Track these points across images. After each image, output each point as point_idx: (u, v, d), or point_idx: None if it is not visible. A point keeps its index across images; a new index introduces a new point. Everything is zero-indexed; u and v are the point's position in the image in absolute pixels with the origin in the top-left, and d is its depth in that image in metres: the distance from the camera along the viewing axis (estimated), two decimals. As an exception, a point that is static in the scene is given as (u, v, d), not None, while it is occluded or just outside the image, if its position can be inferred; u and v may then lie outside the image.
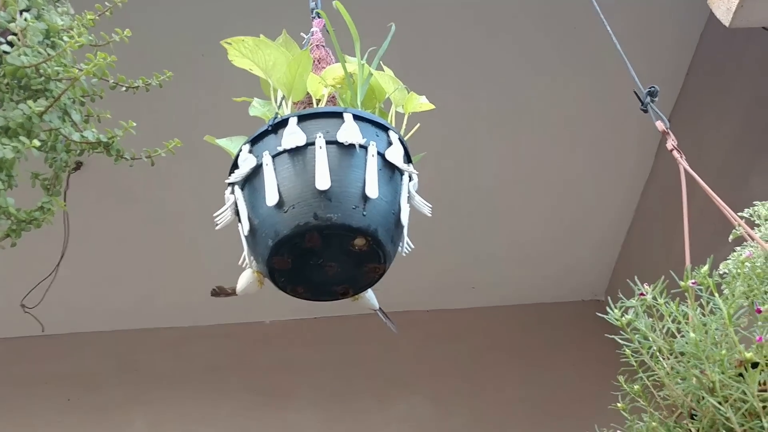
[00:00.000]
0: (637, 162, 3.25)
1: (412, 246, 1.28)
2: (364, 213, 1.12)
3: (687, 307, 0.97)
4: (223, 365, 3.65)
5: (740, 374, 0.90)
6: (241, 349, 3.69)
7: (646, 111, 1.54)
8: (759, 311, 0.91)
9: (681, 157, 1.43)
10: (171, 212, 3.07)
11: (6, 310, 3.14)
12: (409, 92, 1.34)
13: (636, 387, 1.05)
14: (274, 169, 1.15)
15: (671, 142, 1.45)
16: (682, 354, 0.96)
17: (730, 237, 1.19)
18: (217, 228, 1.22)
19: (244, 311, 3.68)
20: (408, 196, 1.23)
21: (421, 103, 1.34)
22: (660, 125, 1.47)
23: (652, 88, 1.54)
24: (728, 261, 1.09)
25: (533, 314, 3.64)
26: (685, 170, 1.41)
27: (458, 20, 2.72)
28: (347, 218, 1.11)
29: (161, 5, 2.51)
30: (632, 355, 1.01)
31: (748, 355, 0.87)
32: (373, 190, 1.13)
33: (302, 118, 1.18)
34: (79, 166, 3.03)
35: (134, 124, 1.43)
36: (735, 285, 1.04)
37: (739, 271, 1.05)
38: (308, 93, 1.33)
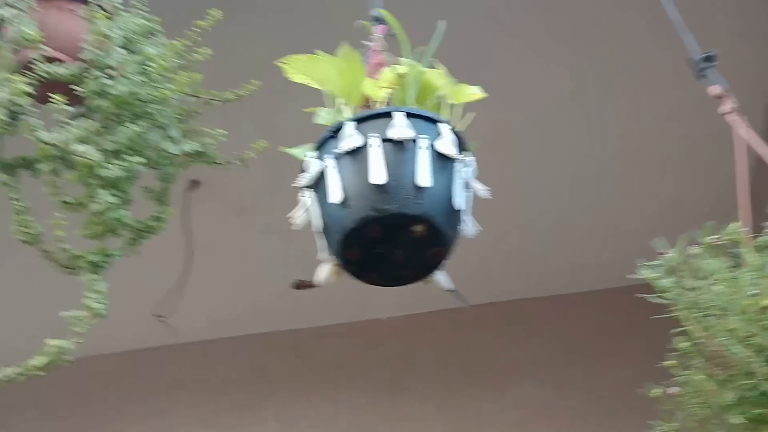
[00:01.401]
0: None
1: (480, 228, 1.36)
2: (419, 201, 1.22)
3: (714, 260, 1.02)
4: (343, 362, 3.84)
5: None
6: (360, 347, 3.87)
7: (705, 77, 1.55)
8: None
9: (741, 119, 1.44)
10: (286, 221, 3.28)
11: (141, 321, 3.44)
12: (458, 85, 1.43)
13: (685, 344, 1.11)
14: (337, 170, 1.27)
15: (731, 105, 1.46)
16: (713, 308, 1.02)
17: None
18: (294, 228, 1.35)
19: (361, 309, 3.85)
20: (464, 182, 1.32)
21: (471, 94, 1.43)
22: (715, 89, 1.49)
23: (710, 53, 1.56)
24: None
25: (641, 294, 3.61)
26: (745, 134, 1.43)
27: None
28: (403, 207, 1.21)
29: (242, 22, 2.71)
30: (669, 314, 1.08)
31: (765, 302, 0.92)
32: (425, 180, 1.23)
33: (359, 121, 1.30)
34: (196, 184, 3.30)
35: (224, 132, 1.60)
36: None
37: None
38: (368, 97, 1.46)
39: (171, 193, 1.76)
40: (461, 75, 1.45)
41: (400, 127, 1.27)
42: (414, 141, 1.26)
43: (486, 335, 3.76)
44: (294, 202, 1.49)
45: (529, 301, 3.83)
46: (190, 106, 1.73)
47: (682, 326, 1.09)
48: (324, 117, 1.41)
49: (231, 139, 1.66)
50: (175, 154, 1.62)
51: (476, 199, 1.36)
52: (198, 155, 1.66)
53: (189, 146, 1.64)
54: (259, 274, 3.68)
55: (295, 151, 1.42)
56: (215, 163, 1.68)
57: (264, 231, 3.48)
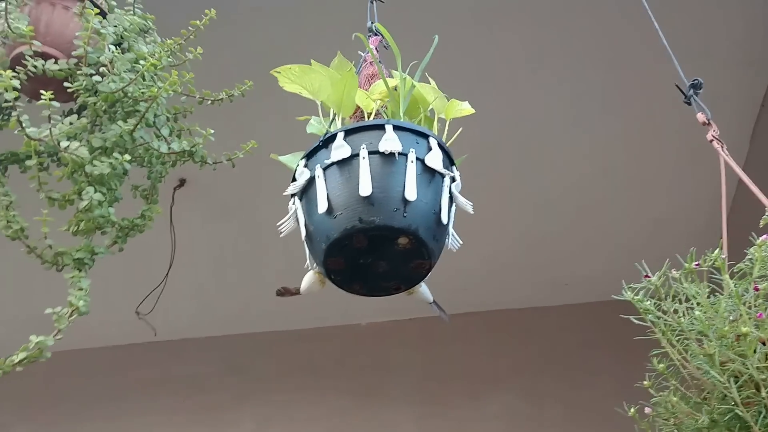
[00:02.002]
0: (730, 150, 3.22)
1: (461, 242, 1.39)
2: (405, 214, 1.24)
3: (694, 286, 1.05)
4: (321, 366, 3.85)
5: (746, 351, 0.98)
6: (339, 351, 3.88)
7: (689, 104, 1.60)
8: (757, 289, 1.00)
9: (722, 147, 1.49)
10: (268, 224, 3.30)
11: (122, 318, 3.45)
12: (449, 100, 1.45)
13: (661, 366, 1.14)
14: (325, 180, 1.29)
15: (712, 133, 1.51)
16: (692, 332, 1.05)
17: (761, 223, 1.25)
18: (282, 235, 1.36)
19: (340, 314, 3.87)
20: (450, 197, 1.34)
21: (462, 109, 1.46)
22: (701, 117, 1.54)
23: (696, 81, 1.60)
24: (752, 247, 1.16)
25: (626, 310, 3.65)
26: (725, 161, 1.48)
27: (532, 15, 2.80)
28: (389, 220, 1.24)
29: (236, 23, 2.73)
30: (648, 335, 1.10)
31: (745, 329, 0.95)
32: (411, 193, 1.25)
33: (348, 133, 1.32)
34: (182, 182, 3.30)
35: (212, 131, 1.62)
36: (754, 268, 1.11)
37: (757, 255, 1.12)
38: (360, 109, 1.48)
39: (159, 191, 1.79)
40: (457, 88, 1.48)
41: (389, 140, 1.29)
42: (403, 154, 1.29)
43: (468, 344, 3.78)
44: (278, 206, 1.52)
45: (514, 312, 3.86)
46: (182, 105, 1.75)
47: (661, 347, 1.12)
48: (315, 126, 1.43)
49: (218, 140, 1.68)
50: (165, 153, 1.64)
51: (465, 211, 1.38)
52: (188, 154, 1.67)
53: (177, 145, 1.66)
54: (241, 276, 3.70)
55: (285, 159, 1.43)
56: (205, 162, 1.69)
57: (247, 233, 3.51)
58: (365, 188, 1.24)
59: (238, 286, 3.74)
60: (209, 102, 1.77)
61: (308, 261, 1.38)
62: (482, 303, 3.86)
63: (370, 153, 1.28)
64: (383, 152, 1.28)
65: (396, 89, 1.46)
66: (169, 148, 1.64)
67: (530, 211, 3.46)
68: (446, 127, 1.46)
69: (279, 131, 2.76)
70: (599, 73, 2.94)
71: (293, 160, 1.44)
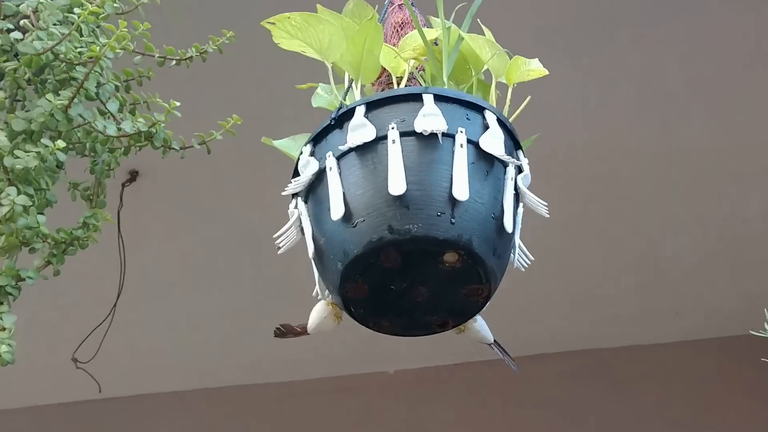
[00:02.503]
0: None
1: (531, 258, 1.40)
2: (453, 220, 1.25)
3: None
4: (338, 425, 3.87)
5: None
6: (360, 406, 3.91)
7: None
8: None
9: None
10: (259, 234, 3.31)
11: (59, 367, 3.47)
12: (512, 57, 1.46)
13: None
14: (340, 173, 1.30)
15: None
16: None
17: None
18: (281, 251, 1.38)
19: (362, 359, 3.88)
20: (516, 194, 1.35)
21: (530, 69, 1.45)
22: None
23: None
24: None
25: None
26: None
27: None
28: (430, 228, 1.25)
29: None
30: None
31: None
32: (462, 191, 1.26)
33: (371, 106, 1.33)
34: (134, 176, 3.32)
35: (177, 104, 1.62)
36: None
37: None
38: (387, 72, 1.49)
39: (106, 190, 1.79)
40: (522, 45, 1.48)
41: (429, 116, 1.30)
42: (449, 135, 1.29)
43: (541, 397, 3.79)
44: (273, 209, 1.53)
45: (607, 352, 3.91)
46: (136, 69, 1.75)
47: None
48: (324, 98, 1.44)
49: (191, 115, 1.69)
50: (114, 136, 1.64)
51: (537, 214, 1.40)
52: (145, 137, 1.68)
53: (130, 125, 1.66)
54: (221, 307, 3.73)
55: (282, 144, 1.45)
56: (169, 148, 1.69)
57: (229, 246, 3.53)
58: (397, 184, 1.25)
59: (218, 321, 3.78)
60: (173, 63, 1.76)
61: (317, 287, 1.40)
62: (564, 341, 3.91)
63: (402, 135, 1.29)
64: (421, 133, 1.29)
65: (437, 43, 1.46)
66: (120, 130, 1.64)
67: (629, 217, 3.48)
68: (508, 96, 1.46)
69: (273, 104, 2.78)
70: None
71: (294, 146, 1.46)
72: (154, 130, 1.67)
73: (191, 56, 1.77)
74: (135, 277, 3.35)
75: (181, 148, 1.69)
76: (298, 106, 1.59)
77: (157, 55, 1.75)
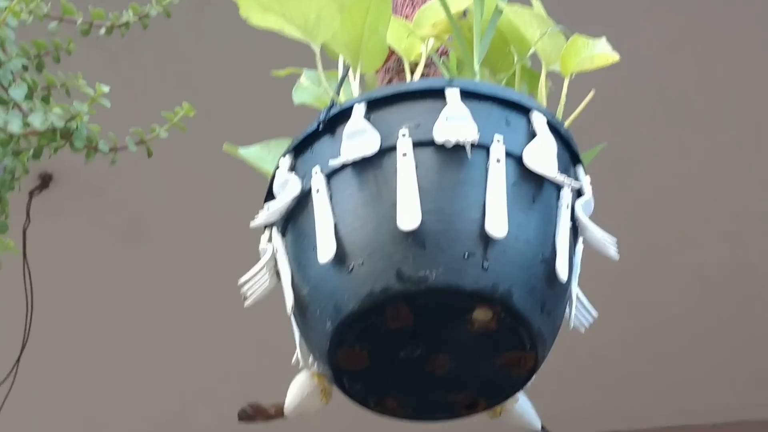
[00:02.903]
0: None
1: (594, 314, 1.38)
2: (486, 264, 1.23)
3: None
4: None
5: None
6: None
7: None
8: None
9: None
10: (219, 270, 3.30)
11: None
12: (569, 37, 1.44)
13: None
14: (330, 197, 1.28)
15: None
16: None
17: None
18: (248, 303, 1.36)
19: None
20: (573, 227, 1.33)
21: (595, 55, 1.43)
22: None
23: None
24: None
25: None
26: None
27: None
28: (454, 276, 1.22)
29: None
30: None
31: None
32: (499, 224, 1.23)
33: (375, 105, 1.31)
34: (46, 181, 3.30)
35: (106, 89, 1.59)
36: None
37: None
38: (396, 55, 1.48)
39: (9, 204, 1.77)
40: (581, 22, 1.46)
41: (454, 119, 1.28)
42: (482, 147, 1.28)
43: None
44: (233, 228, 1.50)
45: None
46: (51, 40, 1.73)
47: None
48: (309, 91, 1.42)
49: (125, 105, 1.66)
50: (18, 133, 1.62)
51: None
52: (61, 134, 1.65)
53: (41, 119, 1.63)
54: (162, 368, 3.75)
55: (251, 154, 1.42)
56: (93, 149, 1.67)
57: (166, 274, 3.53)
58: (408, 215, 1.23)
59: (152, 383, 3.76)
60: (102, 31, 1.74)
61: (298, 352, 1.38)
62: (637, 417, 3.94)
63: (417, 145, 1.27)
64: (443, 144, 1.27)
65: (465, 15, 1.45)
66: (27, 125, 1.62)
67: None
68: (564, 90, 1.44)
69: (239, 95, 2.76)
70: None
71: (267, 157, 1.45)
72: (74, 126, 1.64)
73: (127, 22, 1.75)
74: (45, 317, 3.32)
75: (111, 150, 1.66)
76: (275, 99, 1.57)
77: (81, 20, 1.73)
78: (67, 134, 1.63)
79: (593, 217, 1.36)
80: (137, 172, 2.89)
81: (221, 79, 2.82)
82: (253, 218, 1.36)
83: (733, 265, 3.61)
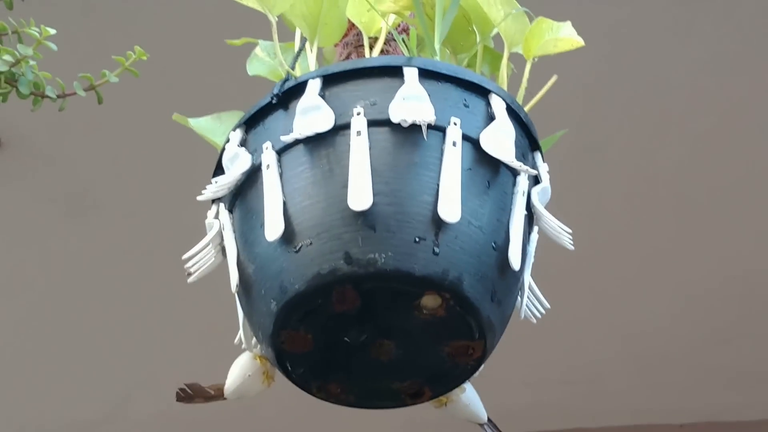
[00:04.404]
0: None
1: (547, 305, 1.41)
2: (437, 249, 1.24)
3: None
4: None
5: None
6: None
7: None
8: None
9: None
10: (166, 242, 3.30)
11: None
12: (534, 19, 1.45)
13: None
14: (281, 174, 1.29)
15: None
16: None
17: None
18: (191, 279, 1.37)
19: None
20: (528, 215, 1.35)
21: (559, 38, 1.45)
22: None
23: None
24: None
25: None
26: None
27: None
28: (404, 260, 1.24)
29: None
30: None
31: None
32: (452, 209, 1.24)
33: (331, 81, 1.32)
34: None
35: (52, 32, 1.60)
36: None
37: None
38: (356, 29, 1.49)
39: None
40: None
41: (411, 99, 1.29)
42: (438, 129, 1.29)
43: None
44: (188, 209, 1.52)
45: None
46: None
47: None
48: (264, 62, 1.43)
49: (75, 51, 1.66)
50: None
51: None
52: (5, 79, 1.65)
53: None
54: (104, 334, 3.73)
55: (201, 125, 1.44)
56: (40, 95, 1.67)
57: (119, 247, 3.54)
58: (360, 195, 1.24)
59: (101, 369, 3.78)
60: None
61: (241, 332, 1.40)
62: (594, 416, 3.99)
63: (371, 124, 1.29)
64: (398, 123, 1.28)
65: None
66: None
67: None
68: (526, 74, 1.46)
69: (193, 60, 2.75)
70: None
71: (218, 129, 1.47)
72: (20, 71, 1.64)
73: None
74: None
75: (58, 96, 1.66)
76: (229, 70, 1.58)
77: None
78: (12, 79, 1.64)
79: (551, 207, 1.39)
80: (87, 141, 2.90)
81: (175, 46, 2.83)
82: (200, 195, 1.37)
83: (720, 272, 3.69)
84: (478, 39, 1.49)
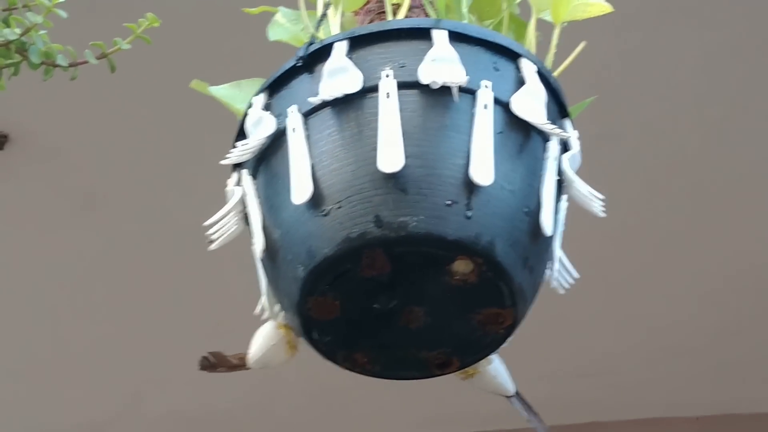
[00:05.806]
0: None
1: (576, 275, 1.40)
2: (469, 213, 1.24)
3: None
4: None
5: None
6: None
7: None
8: None
9: None
10: (179, 231, 3.29)
11: None
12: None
13: None
14: (307, 137, 1.29)
15: None
16: None
17: None
18: (213, 246, 1.36)
19: (323, 415, 3.86)
20: (559, 180, 1.34)
21: (590, 2, 1.45)
22: None
23: None
24: None
25: None
26: None
27: None
28: (436, 224, 1.23)
29: None
30: None
31: None
32: (484, 171, 1.24)
33: (358, 43, 1.32)
34: (1, 143, 3.29)
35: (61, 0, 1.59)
36: None
37: None
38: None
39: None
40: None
41: (441, 61, 1.29)
42: (468, 91, 1.29)
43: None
44: (201, 187, 1.50)
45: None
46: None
47: None
48: (285, 28, 1.42)
49: (86, 21, 1.64)
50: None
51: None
52: (15, 48, 1.64)
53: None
54: (119, 327, 3.72)
55: (222, 92, 1.43)
56: (52, 65, 1.66)
57: (129, 241, 3.52)
58: (390, 157, 1.24)
59: (117, 349, 3.77)
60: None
61: (264, 300, 1.39)
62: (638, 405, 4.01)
63: (401, 86, 1.28)
64: (428, 85, 1.28)
65: None
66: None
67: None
68: (554, 40, 1.46)
69: (211, 31, 2.74)
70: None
71: (239, 95, 1.46)
72: (30, 40, 1.64)
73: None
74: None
75: (70, 65, 1.66)
76: (248, 37, 1.57)
77: None
78: (23, 49, 1.63)
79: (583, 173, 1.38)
80: (95, 137, 2.90)
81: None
82: (224, 159, 1.37)
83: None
84: (504, 5, 1.49)
